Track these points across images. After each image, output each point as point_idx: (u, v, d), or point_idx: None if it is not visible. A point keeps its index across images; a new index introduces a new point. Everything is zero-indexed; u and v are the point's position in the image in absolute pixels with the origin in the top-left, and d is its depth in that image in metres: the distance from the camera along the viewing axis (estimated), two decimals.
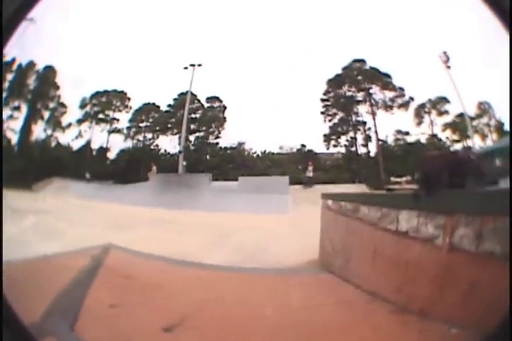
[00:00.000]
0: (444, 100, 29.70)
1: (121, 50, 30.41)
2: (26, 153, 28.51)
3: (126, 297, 4.27)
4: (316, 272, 7.05)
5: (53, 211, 16.88)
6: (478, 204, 2.75)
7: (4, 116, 28.84)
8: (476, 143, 27.58)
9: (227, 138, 34.13)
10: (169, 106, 33.77)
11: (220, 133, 34.23)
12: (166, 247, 9.08)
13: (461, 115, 28.30)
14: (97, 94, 33.34)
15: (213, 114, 34.03)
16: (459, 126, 28.56)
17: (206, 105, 34.39)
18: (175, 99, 33.27)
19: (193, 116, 33.37)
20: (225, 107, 34.24)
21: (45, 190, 25.21)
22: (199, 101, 33.95)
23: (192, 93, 31.84)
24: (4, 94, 28.80)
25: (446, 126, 29.85)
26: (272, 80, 31.88)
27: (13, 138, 29.62)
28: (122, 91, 33.52)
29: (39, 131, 31.31)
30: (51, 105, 31.91)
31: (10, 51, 25.11)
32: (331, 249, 6.98)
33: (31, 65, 30.07)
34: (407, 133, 31.19)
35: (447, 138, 29.89)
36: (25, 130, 30.31)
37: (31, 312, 3.06)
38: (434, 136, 30.25)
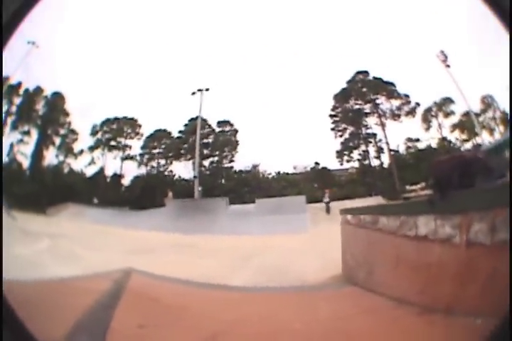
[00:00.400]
0: (448, 101, 29.53)
1: (128, 77, 30.79)
2: (38, 178, 28.66)
3: (154, 318, 4.28)
4: (340, 286, 7.05)
5: (69, 235, 16.92)
6: (488, 199, 2.85)
7: (14, 139, 29.40)
8: (485, 138, 27.42)
9: (241, 162, 34.06)
10: (180, 132, 33.91)
11: (233, 156, 34.14)
12: (188, 271, 9.04)
13: (466, 114, 28.22)
14: (107, 121, 33.65)
15: (225, 138, 34.13)
16: (466, 124, 28.34)
17: (217, 129, 34.52)
18: (185, 125, 33.41)
19: (205, 141, 33.38)
20: (236, 131, 34.31)
21: (59, 214, 25.12)
22: (210, 126, 34.02)
23: (202, 118, 32.01)
24: (12, 118, 29.34)
25: (454, 126, 29.61)
26: (280, 101, 32.07)
27: (24, 162, 29.72)
28: (133, 118, 33.81)
29: (51, 156, 31.50)
30: (62, 131, 32.12)
31: (15, 74, 25.90)
32: (353, 262, 7.01)
33: (39, 90, 30.36)
34: (417, 140, 31.00)
35: (457, 138, 29.74)
36: (37, 155, 30.41)
37: (50, 332, 3.09)
38: (443, 138, 30.09)
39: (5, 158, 28.39)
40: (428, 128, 30.77)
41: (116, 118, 33.63)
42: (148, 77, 31.09)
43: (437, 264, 3.49)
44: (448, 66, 25.62)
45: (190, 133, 32.53)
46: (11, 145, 29.10)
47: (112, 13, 29.24)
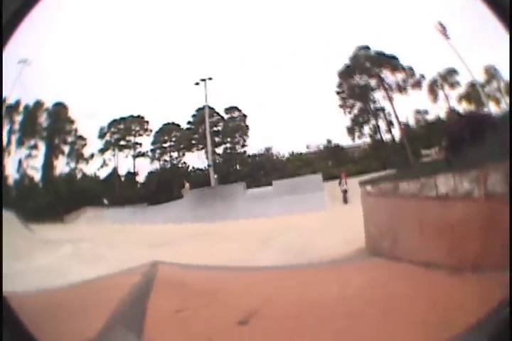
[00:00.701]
0: (452, 72, 29.19)
1: (128, 75, 30.66)
2: (52, 188, 29.07)
3: (189, 302, 4.37)
4: (366, 258, 7.10)
5: (90, 238, 17.17)
6: (501, 150, 2.87)
7: (22, 155, 29.69)
8: (491, 109, 27.08)
9: (253, 146, 34.05)
10: (189, 123, 33.83)
11: (245, 141, 34.17)
12: (212, 257, 9.17)
13: (472, 85, 27.85)
14: (114, 122, 33.53)
15: (235, 124, 34.05)
16: (473, 95, 28.03)
17: (226, 116, 34.38)
18: (193, 116, 33.35)
19: (215, 129, 33.38)
20: (245, 116, 34.17)
21: (78, 220, 25.82)
22: (218, 113, 33.86)
23: (209, 107, 31.72)
24: (17, 135, 29.56)
25: (461, 97, 29.33)
26: (285, 81, 31.73)
27: (36, 175, 30.16)
28: (139, 116, 33.71)
29: (62, 165, 31.73)
30: (69, 139, 32.26)
31: (11, 94, 25.78)
32: (376, 233, 7.06)
33: (38, 104, 30.41)
34: (425, 112, 30.81)
35: (464, 109, 29.43)
36: (48, 166, 30.68)
37: (88, 329, 3.22)
38: (451, 109, 29.75)
39: (15, 175, 29.03)
40: (435, 100, 30.42)
41: (122, 118, 33.53)
42: (148, 73, 30.93)
43: (460, 222, 3.54)
44: (447, 37, 25.14)
45: (199, 123, 32.55)
46: (20, 162, 29.51)
47: (108, 7, 28.99)
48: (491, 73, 27.25)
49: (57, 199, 27.58)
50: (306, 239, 12.06)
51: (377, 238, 7.01)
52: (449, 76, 29.63)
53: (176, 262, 7.92)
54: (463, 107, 29.07)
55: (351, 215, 9.57)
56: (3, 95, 24.79)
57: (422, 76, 30.63)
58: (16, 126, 29.58)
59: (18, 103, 29.16)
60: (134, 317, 3.72)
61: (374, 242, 7.23)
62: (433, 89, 30.24)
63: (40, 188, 29.62)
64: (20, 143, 29.67)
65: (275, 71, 31.22)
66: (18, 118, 29.65)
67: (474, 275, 3.18)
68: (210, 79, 28.94)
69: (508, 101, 26.54)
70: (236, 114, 34.07)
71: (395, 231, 5.57)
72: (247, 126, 33.96)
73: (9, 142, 28.87)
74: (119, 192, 31.66)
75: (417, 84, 30.73)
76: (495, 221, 2.97)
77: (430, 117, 30.61)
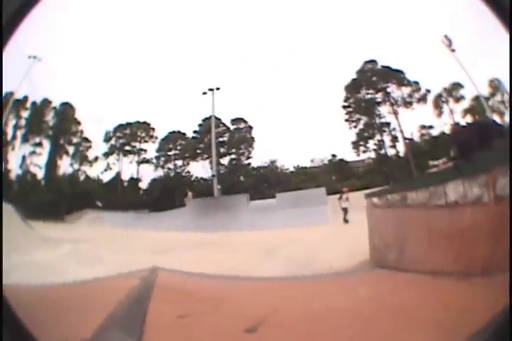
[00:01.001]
0: (457, 86, 29.35)
1: (137, 81, 30.80)
2: (55, 187, 29.16)
3: (192, 308, 4.26)
4: (370, 270, 7.07)
5: (90, 239, 17.16)
6: (509, 154, 2.92)
7: (26, 151, 30.02)
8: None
9: (258, 158, 34.10)
10: (195, 132, 34.02)
11: (250, 153, 34.23)
12: (214, 267, 9.10)
13: (476, 98, 27.96)
14: (120, 127, 33.79)
15: (241, 136, 34.19)
16: (477, 109, 28.13)
17: (232, 127, 34.57)
18: (200, 125, 33.49)
19: (220, 139, 33.45)
20: (250, 127, 34.36)
21: (79, 221, 25.69)
22: (224, 124, 34.04)
23: (216, 117, 31.88)
24: (22, 131, 29.98)
25: (466, 111, 29.45)
26: (291, 95, 31.92)
27: (38, 172, 30.38)
28: (145, 122, 33.95)
29: (65, 165, 32.05)
30: (74, 140, 32.58)
31: (19, 88, 26.45)
32: (382, 245, 7.05)
33: (46, 102, 30.85)
34: (430, 127, 30.92)
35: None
36: (51, 165, 30.82)
37: (79, 331, 3.12)
38: (456, 124, 29.81)
39: (18, 170, 29.37)
40: (440, 115, 30.59)
41: (128, 123, 33.85)
42: (157, 80, 31.18)
43: (470, 227, 3.56)
44: (453, 50, 25.33)
45: (205, 132, 32.72)
46: (23, 158, 29.80)
47: (117, 15, 29.25)
48: (495, 85, 27.37)
49: (58, 198, 27.79)
50: (309, 251, 12.01)
51: (382, 250, 7.00)
52: (454, 90, 29.78)
53: (176, 269, 7.83)
54: (467, 121, 29.18)
55: (355, 229, 9.52)
56: (11, 89, 25.51)
57: (428, 90, 30.86)
58: (22, 122, 30.05)
59: (25, 98, 29.72)
60: (133, 321, 3.62)
61: (379, 254, 7.21)
62: (438, 104, 30.42)
63: (42, 186, 29.79)
64: (25, 139, 30.11)
65: (282, 84, 31.48)
66: (25, 114, 30.19)
67: (483, 279, 3.18)
68: (218, 89, 29.14)
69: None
70: (242, 125, 34.32)
71: (401, 242, 5.57)
72: (252, 137, 34.21)
73: (14, 137, 29.49)
74: (121, 197, 31.66)
75: (423, 99, 30.93)
76: (504, 224, 2.98)
77: (435, 132, 30.72)
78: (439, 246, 4.21)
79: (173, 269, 7.67)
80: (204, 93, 29.02)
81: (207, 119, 32.34)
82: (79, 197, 28.41)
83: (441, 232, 4.15)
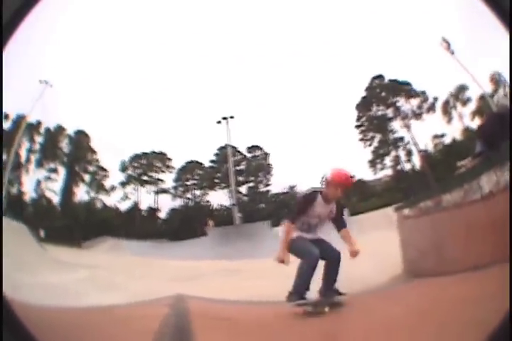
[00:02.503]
0: (462, 88, 29.32)
1: (152, 112, 31.35)
2: (70, 213, 29.27)
3: (240, 336, 4.18)
4: (406, 282, 6.92)
5: (107, 266, 16.84)
6: None
7: (41, 176, 30.40)
8: None
9: (277, 184, 34.21)
10: (212, 161, 34.31)
11: (268, 180, 34.45)
12: (242, 293, 8.83)
13: (482, 97, 27.70)
14: (136, 157, 34.15)
15: (258, 163, 34.42)
16: (484, 108, 27.92)
17: (248, 155, 34.89)
18: (216, 154, 33.82)
19: (238, 168, 33.49)
20: (267, 154, 34.60)
21: (96, 247, 25.38)
22: (240, 152, 34.34)
23: (231, 145, 31.84)
24: (36, 156, 30.48)
25: (474, 114, 29.26)
26: (305, 119, 32.31)
27: (54, 198, 30.83)
28: (161, 152, 34.25)
29: (81, 192, 32.32)
30: (90, 169, 32.90)
31: (31, 113, 26.86)
32: (417, 254, 6.97)
33: (60, 129, 31.32)
34: (442, 136, 30.87)
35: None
36: (67, 191, 31.20)
37: None
38: (466, 128, 29.69)
39: (32, 194, 29.87)
40: (450, 121, 30.58)
41: (144, 153, 34.23)
42: (171, 110, 31.75)
43: (505, 214, 3.46)
44: (452, 53, 25.32)
45: (222, 161, 32.94)
46: (38, 182, 30.23)
47: (129, 43, 30.14)
48: (496, 80, 27.24)
49: (74, 224, 27.83)
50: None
51: (417, 260, 6.95)
52: (460, 93, 29.78)
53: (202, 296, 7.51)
54: (476, 124, 29.03)
55: (381, 246, 9.38)
56: (23, 112, 26.43)
57: (435, 98, 30.95)
58: (37, 146, 30.63)
59: (39, 123, 30.30)
60: None
61: (414, 264, 7.15)
62: (446, 110, 30.38)
63: (57, 211, 30.17)
64: (39, 164, 30.61)
65: (295, 110, 31.93)
66: (39, 138, 30.77)
67: None
68: (232, 117, 29.31)
69: None
70: (258, 152, 34.66)
71: (438, 247, 5.50)
72: (269, 164, 34.52)
73: (28, 160, 29.99)
74: (139, 226, 31.72)
75: (432, 108, 30.95)
76: None
77: (447, 140, 30.60)
78: (477, 239, 4.19)
79: (199, 296, 7.36)
80: (218, 122, 29.28)
81: (223, 148, 32.61)
82: (96, 224, 28.55)
83: (478, 226, 4.13)
